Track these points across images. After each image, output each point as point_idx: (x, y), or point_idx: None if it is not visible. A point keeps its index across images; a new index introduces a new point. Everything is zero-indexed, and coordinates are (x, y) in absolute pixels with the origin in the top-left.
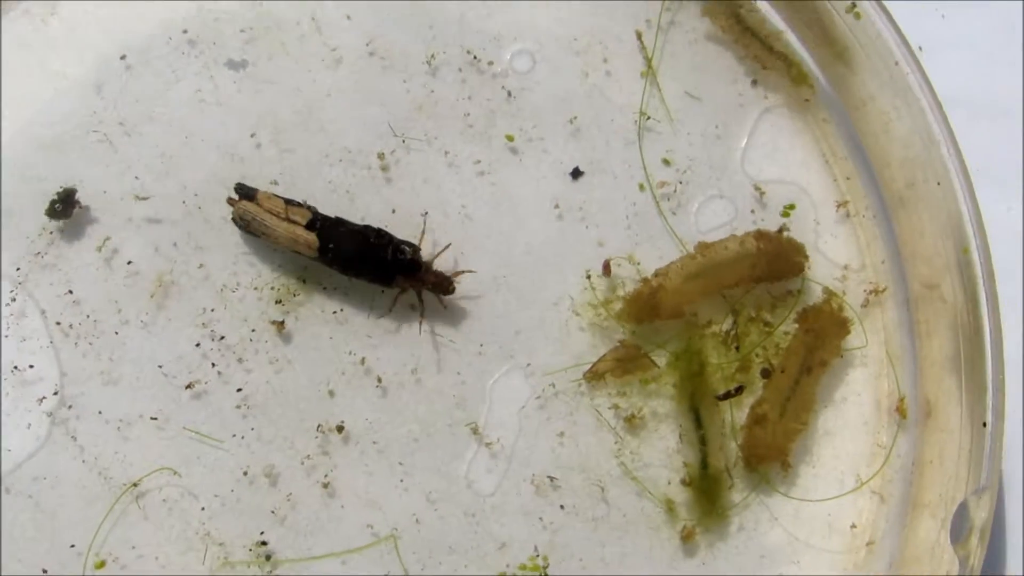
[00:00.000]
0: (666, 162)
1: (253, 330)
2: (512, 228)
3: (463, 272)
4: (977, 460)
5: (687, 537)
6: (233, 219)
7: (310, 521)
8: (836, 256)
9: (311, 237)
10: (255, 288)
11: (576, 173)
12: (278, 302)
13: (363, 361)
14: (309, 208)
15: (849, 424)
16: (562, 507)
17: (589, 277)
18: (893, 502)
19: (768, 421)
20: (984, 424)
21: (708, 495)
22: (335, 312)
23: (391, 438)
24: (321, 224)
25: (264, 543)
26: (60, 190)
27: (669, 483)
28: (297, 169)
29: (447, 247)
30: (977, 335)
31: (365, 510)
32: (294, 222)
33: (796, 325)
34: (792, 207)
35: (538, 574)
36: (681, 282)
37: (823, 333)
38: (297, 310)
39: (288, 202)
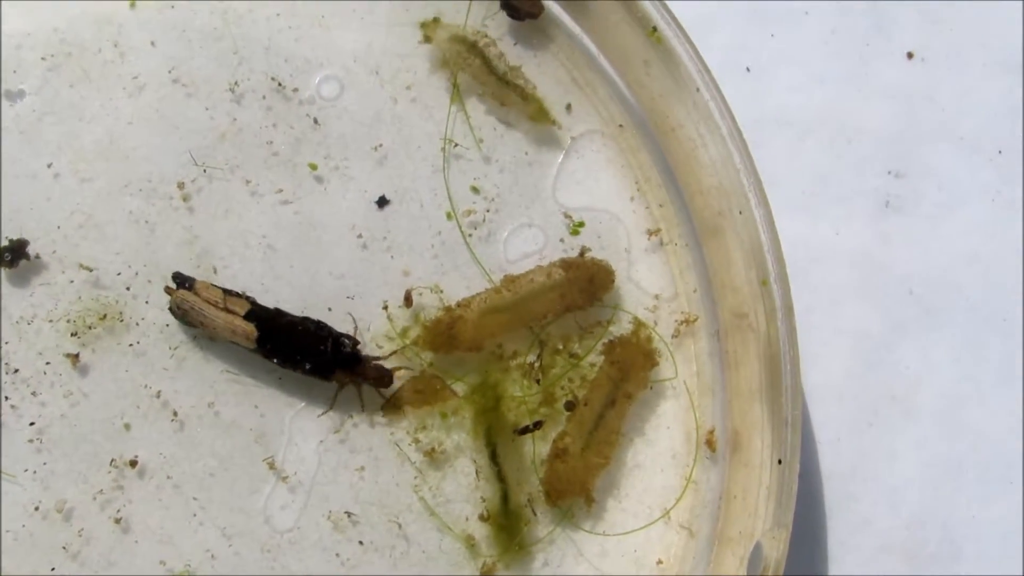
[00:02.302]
0: (475, 190)
1: (48, 363)
2: (315, 258)
3: (400, 368)
4: (776, 498)
5: (486, 574)
6: (171, 308)
7: (103, 557)
8: (648, 285)
9: (249, 328)
10: (50, 320)
11: (382, 201)
12: (74, 335)
13: (159, 394)
14: (247, 299)
15: (659, 457)
16: (360, 543)
17: (386, 308)
18: (701, 537)
19: (569, 455)
20: (779, 461)
21: (507, 530)
22: (131, 344)
23: (187, 472)
24: (259, 315)
25: None
26: (12, 240)
27: (468, 519)
28: (97, 198)
29: (394, 352)
30: (776, 368)
31: (159, 546)
32: (232, 312)
33: (603, 357)
34: (581, 224)
35: None
36: (482, 315)
37: (629, 365)
38: (94, 343)
39: (227, 292)
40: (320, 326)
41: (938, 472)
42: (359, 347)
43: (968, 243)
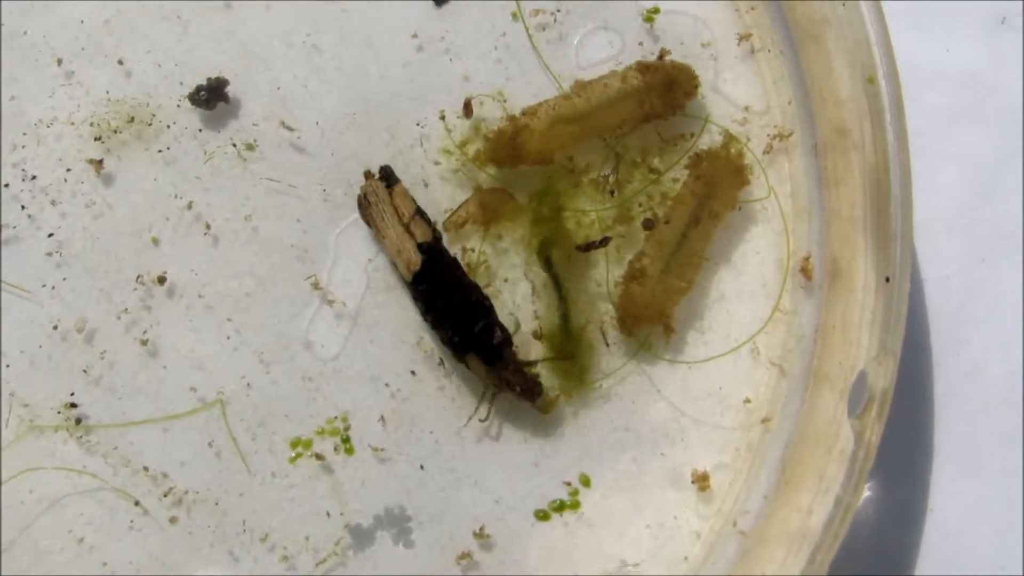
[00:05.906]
0: None
1: (69, 170)
2: (365, 60)
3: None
4: (882, 322)
5: (548, 405)
6: (359, 195)
7: (127, 382)
8: (737, 97)
9: (415, 259)
10: (72, 123)
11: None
12: (98, 139)
13: (191, 206)
14: (434, 231)
15: (747, 286)
16: (413, 373)
17: (443, 118)
18: (794, 375)
19: (647, 277)
20: (887, 279)
21: (573, 357)
22: (161, 151)
23: (221, 292)
24: (432, 254)
25: (74, 405)
26: (210, 79)
27: (529, 353)
28: None
29: (542, 360)
30: (884, 178)
31: (189, 371)
32: (410, 233)
33: (687, 172)
34: (656, 11)
35: (338, 437)
36: (551, 124)
37: (716, 181)
38: (119, 149)
39: (419, 212)
40: (484, 302)
41: None
42: (511, 348)
43: None
